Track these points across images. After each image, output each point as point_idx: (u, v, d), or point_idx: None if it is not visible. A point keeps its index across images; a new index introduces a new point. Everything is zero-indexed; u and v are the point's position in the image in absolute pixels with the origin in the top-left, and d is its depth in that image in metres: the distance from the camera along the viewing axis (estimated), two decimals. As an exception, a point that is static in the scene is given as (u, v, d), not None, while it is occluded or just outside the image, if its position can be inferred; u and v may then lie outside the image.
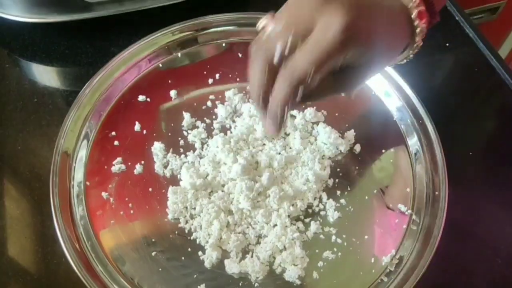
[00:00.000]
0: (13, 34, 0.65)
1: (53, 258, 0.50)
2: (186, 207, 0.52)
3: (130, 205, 0.53)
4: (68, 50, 0.64)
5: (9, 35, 0.65)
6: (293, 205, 0.52)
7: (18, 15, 0.60)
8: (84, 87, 0.57)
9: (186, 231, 0.51)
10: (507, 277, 0.52)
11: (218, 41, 0.64)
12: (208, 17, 0.63)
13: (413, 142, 0.57)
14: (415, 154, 0.56)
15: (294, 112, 0.58)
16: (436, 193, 0.53)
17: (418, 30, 0.43)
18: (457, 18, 0.69)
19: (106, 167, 0.55)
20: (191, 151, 0.56)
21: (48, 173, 0.52)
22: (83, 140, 0.55)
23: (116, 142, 0.56)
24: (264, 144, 0.56)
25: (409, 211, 0.53)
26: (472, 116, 0.62)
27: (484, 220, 0.55)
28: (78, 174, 0.54)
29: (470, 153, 0.58)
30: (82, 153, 0.55)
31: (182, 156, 0.56)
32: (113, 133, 0.57)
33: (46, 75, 0.64)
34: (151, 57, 0.61)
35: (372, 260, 0.50)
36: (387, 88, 0.60)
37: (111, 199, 0.53)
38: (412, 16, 0.42)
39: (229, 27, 0.64)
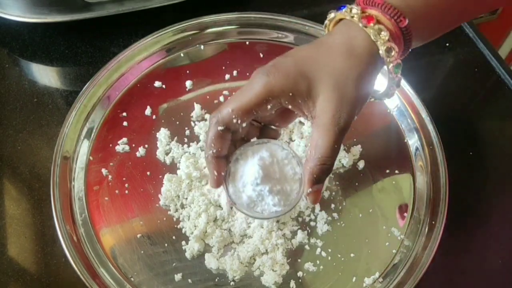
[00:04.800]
0: (13, 34, 0.64)
1: (53, 258, 0.50)
2: (179, 196, 0.53)
3: (126, 185, 0.54)
4: (68, 50, 0.64)
5: (9, 35, 0.64)
6: (283, 210, 0.52)
7: (18, 15, 0.60)
8: (84, 87, 0.57)
9: (174, 219, 0.52)
10: (507, 277, 0.51)
11: (219, 41, 0.63)
12: (208, 17, 0.63)
13: (413, 141, 0.57)
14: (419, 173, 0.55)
15: (303, 119, 0.58)
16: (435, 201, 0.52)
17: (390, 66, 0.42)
18: (457, 18, 0.68)
19: (111, 145, 0.56)
20: (195, 142, 0.56)
21: (48, 173, 0.52)
22: (84, 141, 0.56)
23: (125, 123, 0.58)
24: (266, 146, 0.56)
25: (402, 236, 0.51)
26: (472, 116, 0.62)
27: (484, 220, 0.54)
28: (82, 151, 0.55)
29: (470, 153, 0.58)
30: (83, 154, 0.55)
31: (185, 145, 0.56)
32: (124, 113, 0.58)
33: (46, 75, 0.63)
34: (151, 57, 0.61)
35: (354, 279, 0.49)
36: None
37: (110, 176, 0.54)
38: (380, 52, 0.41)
39: (229, 27, 0.64)
